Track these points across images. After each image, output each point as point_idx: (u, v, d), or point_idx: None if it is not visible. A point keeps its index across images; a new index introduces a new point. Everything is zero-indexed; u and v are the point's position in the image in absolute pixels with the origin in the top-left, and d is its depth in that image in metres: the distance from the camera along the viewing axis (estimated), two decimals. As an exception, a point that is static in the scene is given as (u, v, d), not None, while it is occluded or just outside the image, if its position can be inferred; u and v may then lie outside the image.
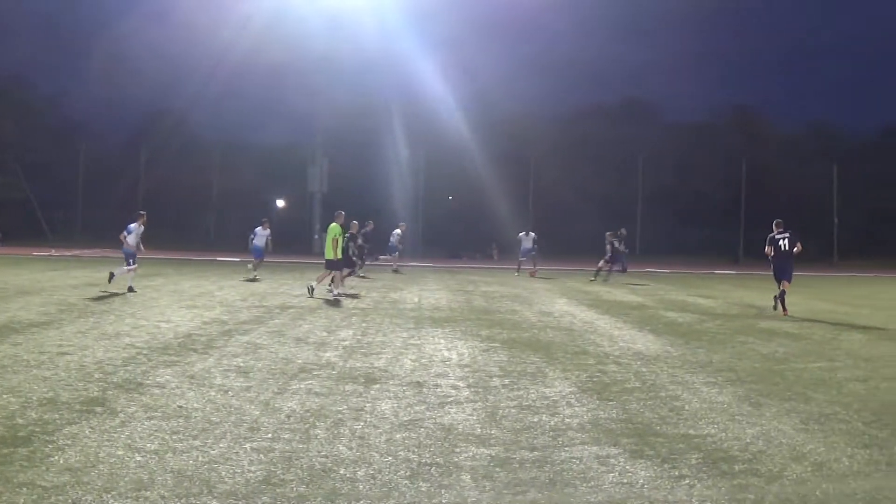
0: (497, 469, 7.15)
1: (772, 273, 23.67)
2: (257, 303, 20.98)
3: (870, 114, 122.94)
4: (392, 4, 63.43)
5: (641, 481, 7.00)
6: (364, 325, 17.28)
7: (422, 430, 8.42)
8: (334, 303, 21.83)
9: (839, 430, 9.04)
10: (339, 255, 24.52)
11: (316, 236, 62.03)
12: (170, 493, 6.24)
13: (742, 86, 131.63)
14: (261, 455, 7.29)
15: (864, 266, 56.89)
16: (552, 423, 8.91)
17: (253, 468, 6.91)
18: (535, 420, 9.01)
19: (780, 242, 22.79)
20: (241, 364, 11.90)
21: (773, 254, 23.05)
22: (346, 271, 26.32)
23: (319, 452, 7.44)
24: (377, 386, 10.63)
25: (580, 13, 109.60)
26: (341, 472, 6.92)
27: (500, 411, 9.39)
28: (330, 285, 24.59)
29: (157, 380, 10.47)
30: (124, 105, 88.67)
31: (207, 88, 68.33)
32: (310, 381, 10.71)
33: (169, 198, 65.59)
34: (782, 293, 22.64)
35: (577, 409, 9.65)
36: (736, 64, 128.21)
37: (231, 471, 6.80)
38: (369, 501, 6.27)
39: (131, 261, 23.32)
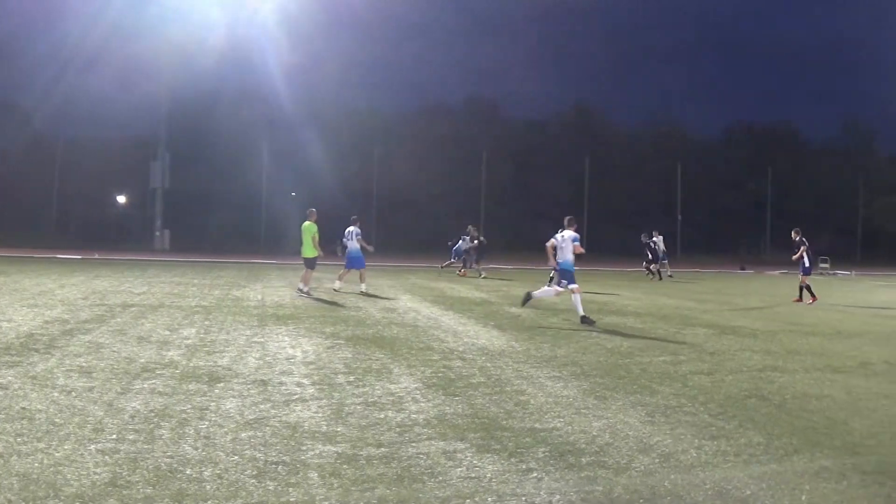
0: (344, 466, 7.19)
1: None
2: (99, 301, 20.61)
3: (714, 115, 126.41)
4: (238, -1, 62.96)
5: (489, 475, 7.08)
6: (207, 323, 17.13)
7: (267, 428, 8.40)
8: (180, 301, 21.64)
9: (686, 423, 9.28)
10: (319, 253, 25.42)
11: (158, 233, 61.26)
12: (16, 496, 6.14)
13: (585, 85, 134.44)
14: (106, 457, 7.20)
15: (707, 262, 58.26)
16: (398, 419, 8.98)
17: (99, 470, 6.82)
18: (381, 416, 9.06)
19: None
20: (84, 364, 11.69)
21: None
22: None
23: (165, 453, 7.38)
24: (221, 385, 10.55)
25: (425, 12, 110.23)
26: (188, 472, 6.87)
27: (346, 408, 9.41)
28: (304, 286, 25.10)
29: (0, 381, 10.29)
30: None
31: (48, 83, 66.74)
32: (153, 381, 10.58)
33: (9, 195, 63.93)
34: (808, 286, 28.37)
35: (422, 404, 9.74)
36: (579, 64, 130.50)
37: (77, 473, 6.71)
38: (216, 501, 6.25)
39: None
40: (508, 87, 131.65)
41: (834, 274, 56.49)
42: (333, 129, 66.98)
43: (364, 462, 7.33)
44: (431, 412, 9.35)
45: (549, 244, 20.78)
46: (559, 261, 20.37)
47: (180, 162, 63.19)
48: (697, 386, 11.62)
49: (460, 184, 70.02)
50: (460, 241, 41.60)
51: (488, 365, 12.81)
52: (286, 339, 15.15)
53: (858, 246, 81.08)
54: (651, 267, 41.87)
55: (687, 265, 57.12)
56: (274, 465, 7.14)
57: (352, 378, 11.34)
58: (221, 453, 7.44)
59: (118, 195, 70.86)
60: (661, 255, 43.54)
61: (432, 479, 6.92)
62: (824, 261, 58.80)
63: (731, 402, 10.52)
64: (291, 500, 6.33)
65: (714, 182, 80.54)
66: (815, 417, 9.83)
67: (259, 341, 14.68)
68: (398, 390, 10.57)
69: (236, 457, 7.35)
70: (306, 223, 25.65)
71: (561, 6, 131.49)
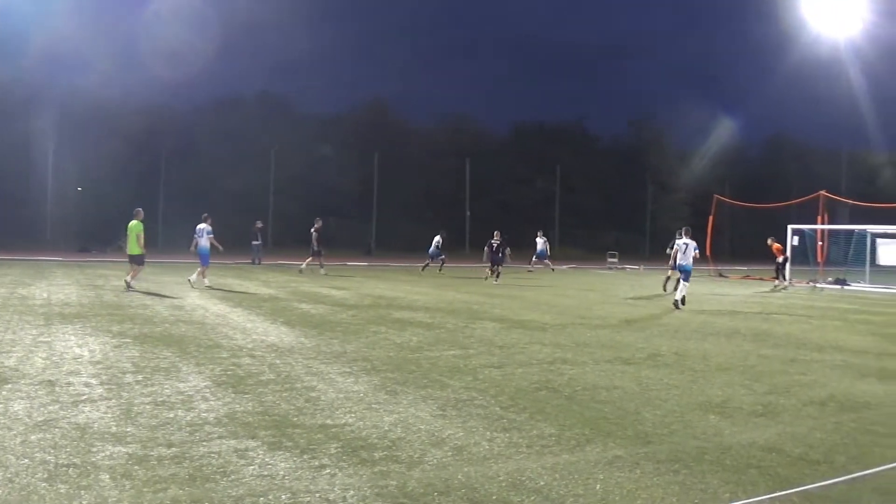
0: (135, 467, 7.17)
1: (670, 267, 30.06)
2: None
3: (505, 113, 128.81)
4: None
5: (282, 473, 7.15)
6: (-9, 322, 16.76)
7: (57, 430, 8.31)
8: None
9: (477, 415, 9.50)
10: (142, 250, 26.18)
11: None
12: None
13: (379, 82, 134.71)
14: None
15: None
16: (188, 418, 8.99)
17: None
18: (171, 416, 9.06)
19: (678, 244, 29.48)
20: None
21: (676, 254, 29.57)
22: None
23: (-47, 458, 7.26)
24: (8, 386, 10.35)
25: (218, 3, 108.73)
26: (-23, 477, 6.77)
27: (135, 408, 9.37)
28: (132, 280, 25.66)
29: None
30: None
31: None
32: (-64, 384, 10.38)
33: None
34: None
35: (212, 403, 9.77)
36: (374, 60, 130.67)
37: None
38: (7, 506, 6.22)
39: None
40: (302, 83, 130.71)
41: (623, 268, 58.41)
42: (122, 124, 65.47)
43: (155, 462, 7.33)
44: (222, 410, 9.39)
45: (674, 250, 27.20)
46: (681, 263, 26.32)
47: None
48: (488, 379, 11.91)
49: (251, 179, 69.37)
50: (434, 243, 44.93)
51: (278, 362, 12.90)
52: (73, 338, 14.89)
53: (647, 241, 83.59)
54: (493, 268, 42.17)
55: (475, 260, 57.80)
56: (65, 468, 7.07)
57: (140, 377, 11.27)
58: (11, 457, 7.34)
59: None
60: (544, 252, 45.56)
61: (225, 479, 6.97)
62: (612, 255, 60.78)
63: (522, 395, 10.82)
64: (84, 502, 6.30)
65: (503, 179, 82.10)
66: (606, 408, 10.22)
67: (46, 341, 14.40)
68: (187, 389, 10.58)
69: (26, 460, 7.26)
70: (134, 222, 26.07)
71: (357, 1, 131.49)
